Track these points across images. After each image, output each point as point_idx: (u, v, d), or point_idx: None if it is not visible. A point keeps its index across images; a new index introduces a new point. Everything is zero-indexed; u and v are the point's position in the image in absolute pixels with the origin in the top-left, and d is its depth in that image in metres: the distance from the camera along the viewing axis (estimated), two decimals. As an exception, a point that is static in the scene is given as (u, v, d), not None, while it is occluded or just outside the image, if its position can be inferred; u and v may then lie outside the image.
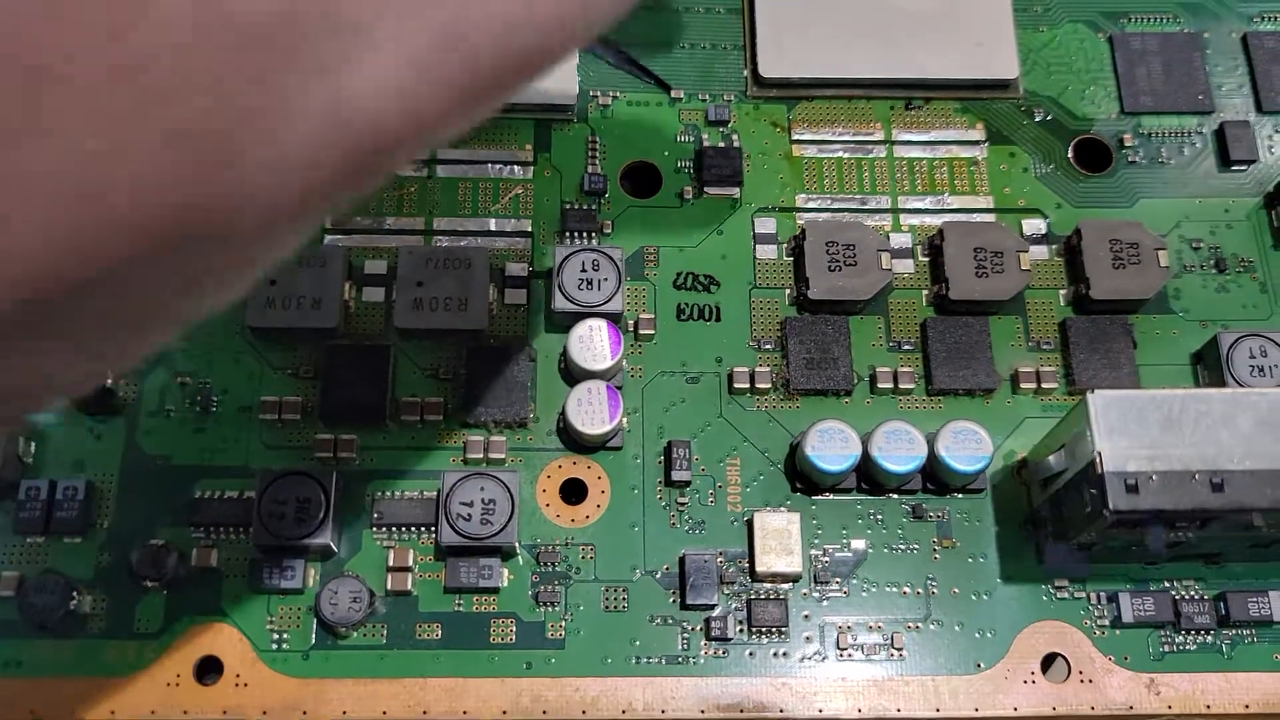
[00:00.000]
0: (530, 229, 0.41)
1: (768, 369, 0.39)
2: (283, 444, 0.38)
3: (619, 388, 0.38)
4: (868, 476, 0.38)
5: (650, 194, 0.42)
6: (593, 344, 0.38)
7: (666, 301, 0.40)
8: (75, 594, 0.36)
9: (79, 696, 0.36)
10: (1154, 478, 0.33)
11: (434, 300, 0.39)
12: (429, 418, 0.38)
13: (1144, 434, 0.34)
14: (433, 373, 0.39)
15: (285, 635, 0.36)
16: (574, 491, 0.38)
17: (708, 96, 0.43)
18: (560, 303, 0.39)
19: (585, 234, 0.41)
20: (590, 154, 0.42)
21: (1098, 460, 0.33)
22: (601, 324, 0.38)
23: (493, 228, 0.41)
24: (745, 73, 0.44)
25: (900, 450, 0.37)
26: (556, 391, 0.39)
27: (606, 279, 0.39)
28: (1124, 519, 0.33)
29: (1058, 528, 0.36)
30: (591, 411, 0.37)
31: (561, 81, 0.42)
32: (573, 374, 0.39)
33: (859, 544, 0.38)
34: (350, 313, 0.39)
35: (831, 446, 0.37)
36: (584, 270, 0.39)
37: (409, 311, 0.39)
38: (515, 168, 0.42)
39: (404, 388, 0.39)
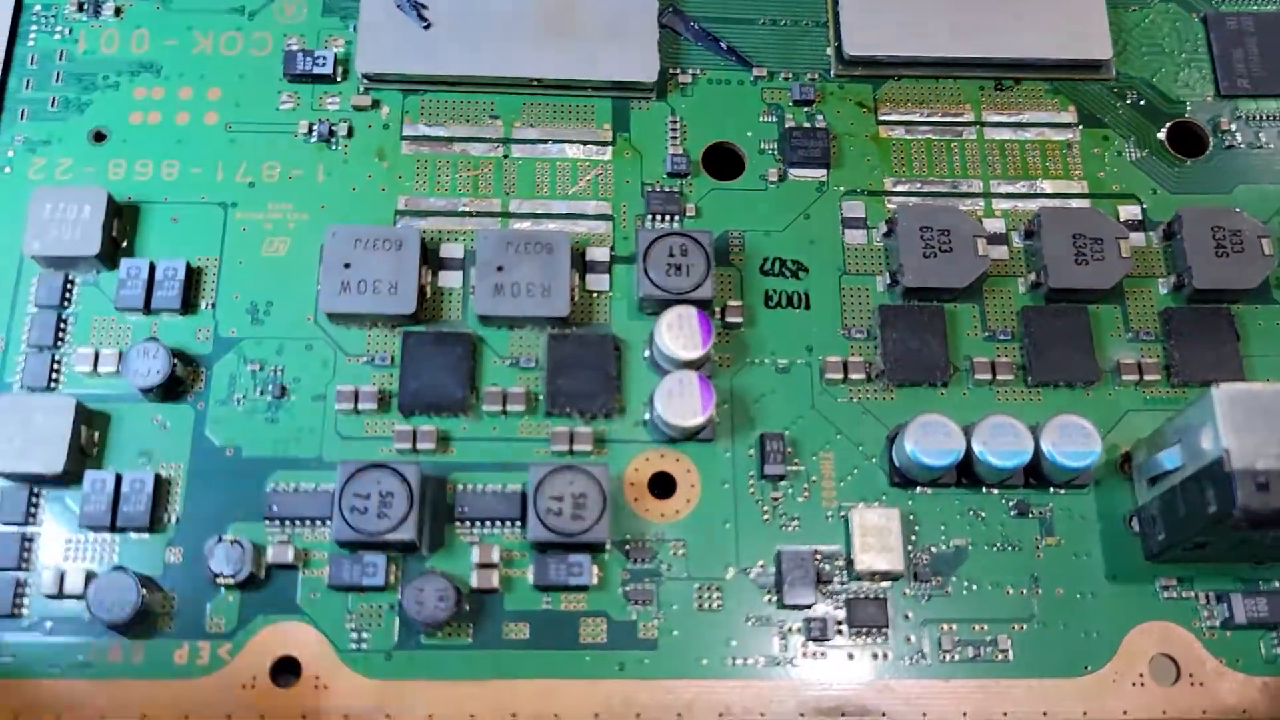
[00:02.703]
0: (610, 211, 0.40)
1: (860, 359, 0.38)
2: (359, 435, 0.36)
3: (709, 377, 0.37)
4: (968, 471, 0.36)
5: (733, 176, 0.40)
6: (683, 332, 0.37)
7: (754, 288, 0.39)
8: (144, 592, 0.34)
9: (149, 700, 0.34)
10: (1284, 475, 0.32)
11: (515, 285, 0.37)
12: (511, 408, 0.37)
13: (1271, 430, 0.32)
14: (514, 361, 0.37)
15: (366, 634, 0.35)
16: (663, 485, 0.37)
17: (790, 75, 0.42)
18: (647, 289, 0.37)
19: (669, 217, 0.39)
20: (671, 134, 0.40)
21: (1225, 458, 0.32)
22: (691, 311, 0.37)
23: (571, 210, 0.39)
24: (829, 50, 0.42)
25: (1006, 445, 0.36)
26: (643, 380, 0.37)
27: (695, 264, 0.37)
28: (1254, 519, 0.32)
29: (1169, 526, 0.35)
30: (683, 403, 0.36)
31: (640, 58, 0.40)
32: (660, 363, 0.37)
33: (960, 541, 0.36)
34: (427, 298, 0.38)
35: (934, 441, 0.36)
36: (671, 255, 0.37)
37: (489, 297, 0.37)
38: (593, 148, 0.40)
39: (485, 376, 0.37)
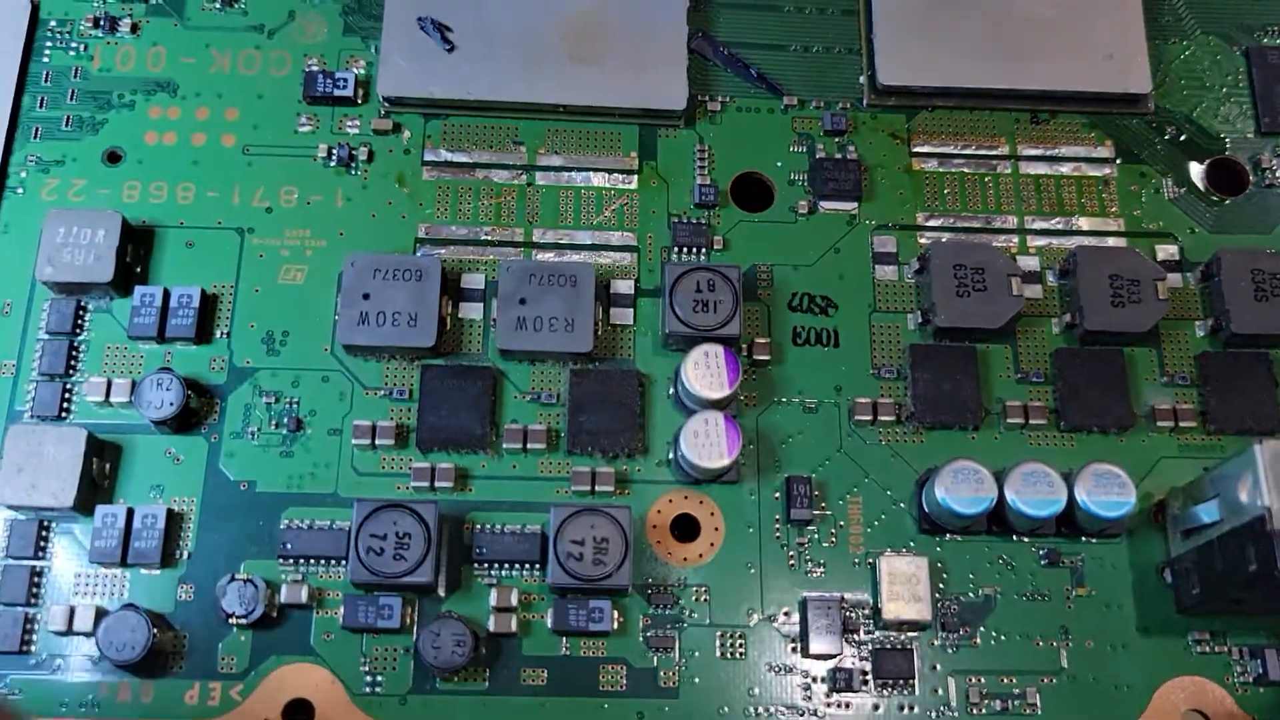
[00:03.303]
0: (636, 243, 0.39)
1: (890, 400, 0.37)
2: (375, 471, 0.36)
3: (735, 416, 0.36)
4: (999, 519, 0.36)
5: (762, 207, 0.39)
6: (709, 371, 0.36)
7: (782, 324, 0.38)
8: (155, 631, 0.33)
9: (158, 739, 0.33)
10: (1328, 537, 0.31)
11: (538, 319, 0.36)
12: (533, 445, 0.36)
13: (1315, 489, 0.31)
14: (536, 396, 0.37)
15: (380, 678, 0.34)
16: (687, 528, 0.36)
17: (822, 104, 0.41)
18: (673, 325, 0.36)
19: (696, 250, 0.38)
20: (699, 163, 0.40)
21: (1268, 516, 0.31)
22: (718, 349, 0.36)
23: (596, 240, 0.39)
24: (862, 79, 0.41)
25: (1039, 493, 0.35)
26: (667, 419, 0.36)
27: (723, 300, 0.36)
28: (1297, 580, 0.31)
29: (1205, 581, 0.34)
30: (709, 444, 0.35)
31: (669, 84, 0.39)
32: (685, 401, 0.36)
33: (989, 590, 0.35)
34: (447, 330, 0.37)
35: (966, 488, 0.35)
36: (699, 290, 0.37)
37: (511, 331, 0.36)
38: (619, 176, 0.39)
39: (506, 413, 0.36)
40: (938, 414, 0.37)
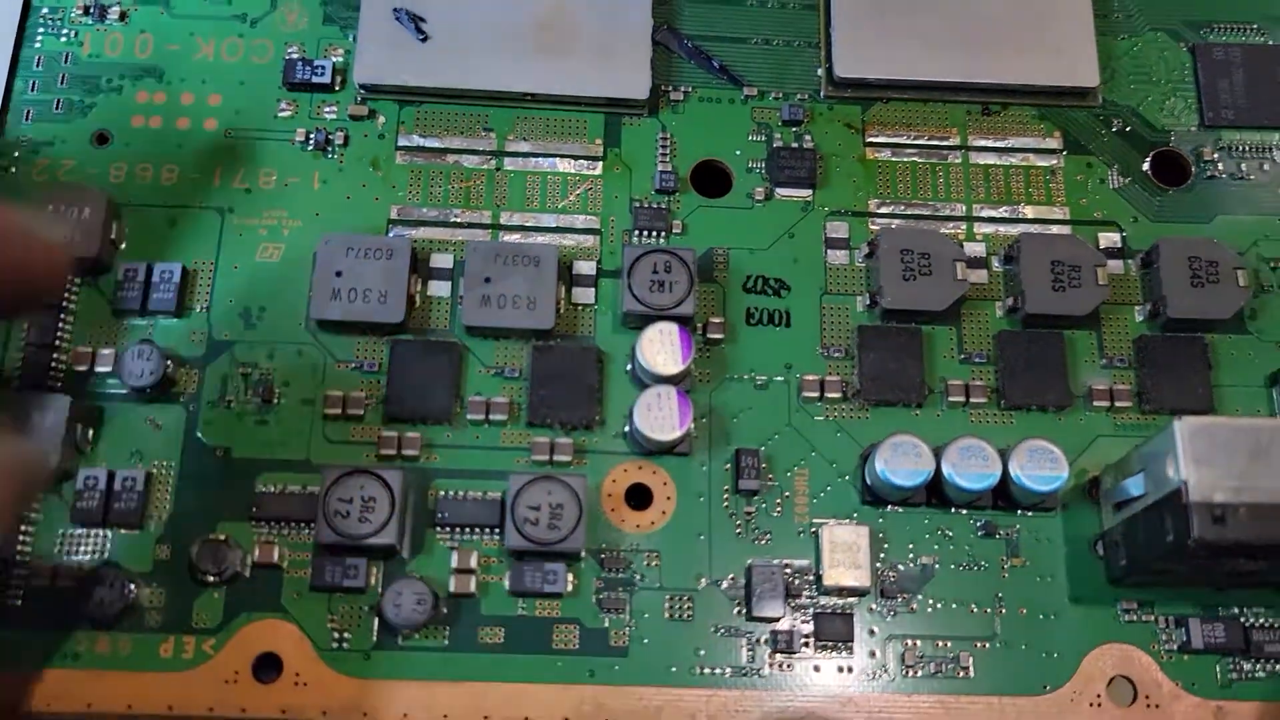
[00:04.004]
0: (599, 226, 0.40)
1: (838, 378, 0.39)
2: (346, 439, 0.37)
3: (688, 392, 0.38)
4: (938, 491, 0.37)
5: (721, 194, 0.41)
6: (663, 348, 0.37)
7: (736, 305, 0.40)
8: (133, 587, 0.35)
9: (135, 691, 0.35)
10: (1241, 510, 0.32)
11: (501, 298, 0.38)
12: (495, 417, 0.38)
13: (1231, 463, 0.33)
14: (499, 371, 0.38)
15: (346, 634, 0.36)
16: (640, 497, 0.38)
17: (781, 95, 0.42)
18: (630, 304, 0.38)
19: (656, 233, 0.40)
20: (661, 151, 0.41)
21: (1183, 489, 0.33)
22: (673, 328, 0.38)
23: (560, 224, 0.40)
24: (820, 71, 0.43)
25: (974, 467, 0.36)
26: (624, 394, 0.38)
27: (678, 281, 0.38)
28: (1209, 549, 0.32)
29: (1131, 551, 0.36)
30: (661, 417, 0.37)
31: (633, 74, 0.41)
32: (641, 377, 0.38)
33: (927, 559, 0.37)
34: (416, 307, 0.39)
35: (905, 461, 0.36)
36: (655, 272, 0.38)
37: (477, 308, 0.38)
38: (584, 162, 0.41)
39: (470, 386, 0.38)
40: (882, 392, 0.38)
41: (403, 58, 0.41)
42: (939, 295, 0.39)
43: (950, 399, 0.39)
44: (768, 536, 0.37)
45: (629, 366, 0.39)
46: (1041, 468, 0.37)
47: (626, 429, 0.38)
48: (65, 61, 0.41)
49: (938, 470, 0.36)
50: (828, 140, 0.42)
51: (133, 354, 0.37)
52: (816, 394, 0.39)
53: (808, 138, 0.42)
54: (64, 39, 0.41)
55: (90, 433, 0.37)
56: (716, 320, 0.39)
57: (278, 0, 0.42)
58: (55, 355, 0.38)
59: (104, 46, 0.42)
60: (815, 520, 0.37)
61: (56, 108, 0.41)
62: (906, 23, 0.42)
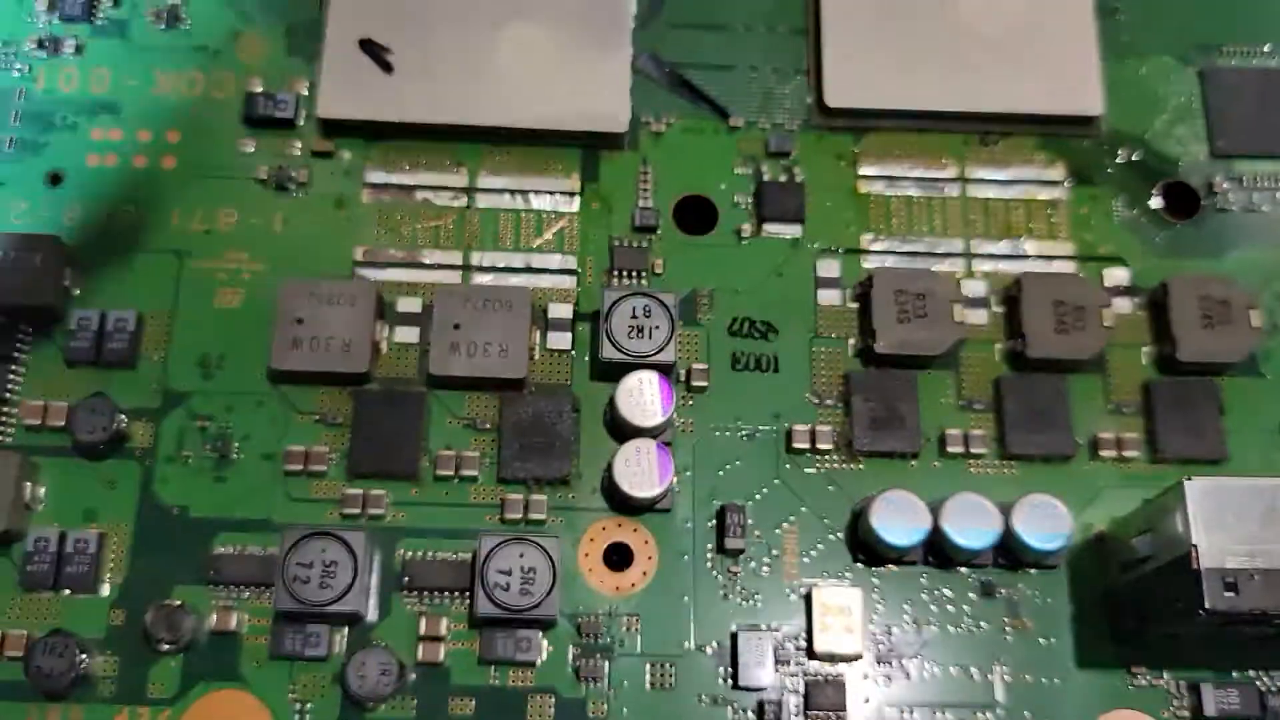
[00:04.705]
0: (576, 266, 0.38)
1: (829, 428, 0.37)
2: (308, 496, 0.36)
3: (669, 444, 0.36)
4: (936, 550, 0.35)
5: (705, 230, 0.39)
6: (643, 398, 0.35)
7: (720, 349, 0.38)
8: (85, 655, 0.33)
9: (87, 765, 0.33)
10: (1255, 576, 0.30)
11: (472, 345, 0.36)
12: (465, 473, 0.36)
13: (1243, 527, 0.31)
14: (470, 423, 0.36)
15: (309, 706, 0.34)
16: (619, 556, 0.36)
17: (768, 125, 0.40)
18: (609, 352, 0.36)
19: (635, 274, 0.38)
20: (641, 186, 0.39)
21: (1194, 555, 0.31)
22: (653, 376, 0.36)
23: (535, 264, 0.38)
24: (809, 99, 0.41)
25: (974, 524, 0.34)
26: (602, 446, 0.36)
27: (658, 327, 0.36)
28: (1221, 619, 0.30)
29: (1139, 615, 0.34)
30: (640, 473, 0.35)
31: (612, 105, 0.39)
32: (620, 428, 0.36)
33: (924, 622, 0.35)
34: (381, 355, 0.37)
35: (899, 518, 0.34)
36: (635, 317, 0.36)
37: (445, 357, 0.36)
38: (560, 198, 0.39)
39: (438, 439, 0.36)
40: (876, 442, 0.36)
41: (368, 90, 0.39)
42: (936, 339, 0.37)
43: (949, 449, 0.36)
44: (755, 598, 0.35)
45: (607, 416, 0.37)
46: (1045, 525, 0.34)
47: (605, 484, 0.36)
48: (18, 98, 0.39)
49: (935, 528, 0.35)
50: (817, 172, 0.40)
51: (86, 408, 0.35)
52: (807, 445, 0.36)
53: (796, 170, 0.40)
54: (17, 73, 0.40)
55: (40, 490, 0.35)
56: (700, 366, 0.37)
57: (239, 31, 0.40)
58: (3, 409, 0.36)
59: (59, 81, 0.40)
60: (805, 580, 0.35)
61: (9, 146, 0.39)
62: (900, 48, 0.40)
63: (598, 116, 0.39)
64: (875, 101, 0.40)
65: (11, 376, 0.36)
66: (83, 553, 0.35)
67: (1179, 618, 0.32)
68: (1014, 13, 0.41)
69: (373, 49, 0.38)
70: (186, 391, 0.36)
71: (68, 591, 0.34)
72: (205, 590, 0.35)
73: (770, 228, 0.39)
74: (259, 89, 0.39)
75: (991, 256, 0.39)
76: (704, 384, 0.37)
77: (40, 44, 0.40)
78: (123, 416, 0.35)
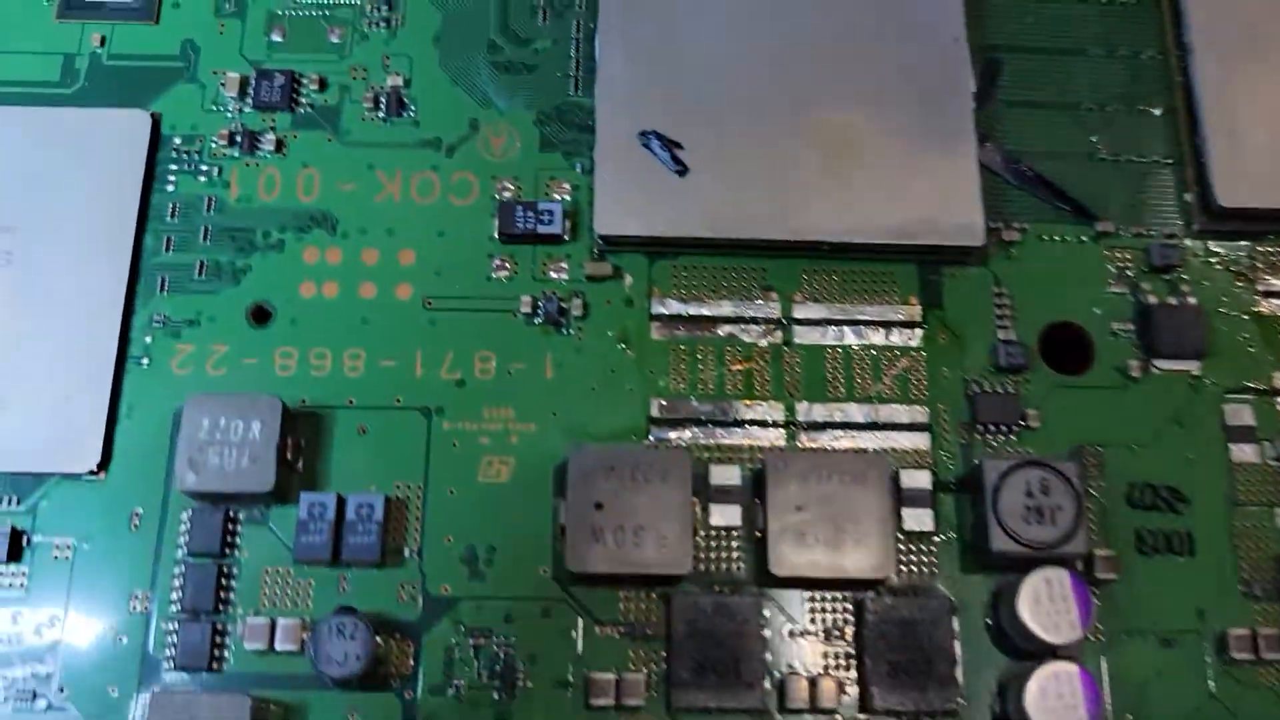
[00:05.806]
0: (928, 419, 0.30)
1: (1272, 629, 0.29)
2: (618, 736, 0.28)
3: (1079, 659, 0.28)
4: None
5: (1078, 367, 0.31)
6: (1053, 604, 0.27)
7: (1121, 526, 0.30)
8: None
9: None
10: None
11: (816, 534, 0.28)
12: (821, 706, 0.28)
13: None
14: (825, 634, 0.28)
15: None
16: (1024, 809, 0.28)
17: (1143, 230, 0.32)
18: (1001, 541, 0.28)
19: (1006, 429, 0.30)
20: (998, 311, 0.31)
21: None
22: (1063, 576, 0.28)
23: (878, 417, 0.30)
24: (1189, 197, 0.33)
25: None
26: (985, 661, 0.28)
27: (1061, 507, 0.28)
28: None
29: None
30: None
31: (963, 211, 0.31)
32: (1014, 640, 0.28)
33: None
34: (702, 550, 0.29)
35: (1405, 766, 0.27)
36: (1030, 495, 0.28)
37: (791, 549, 0.28)
38: (898, 331, 0.31)
39: (781, 654, 0.28)
40: (1338, 648, 0.29)
41: (653, 196, 0.31)
42: (1403, 512, 0.29)
43: None
44: None
45: (989, 620, 0.29)
46: None
47: (995, 708, 0.28)
48: (208, 210, 0.31)
49: None
50: (1208, 291, 0.32)
51: (329, 629, 0.27)
52: (1249, 654, 0.29)
53: (1185, 288, 0.32)
54: (204, 178, 0.32)
55: (273, 735, 0.27)
56: (1103, 554, 0.29)
57: (479, 119, 0.32)
58: (220, 624, 0.28)
59: (257, 187, 0.32)
60: (1264, 836, 0.28)
61: (199, 273, 0.31)
62: (1302, 129, 0.32)
63: (948, 227, 0.31)
64: (1276, 200, 0.32)
65: (226, 581, 0.28)
66: (332, 817, 0.27)
67: None
68: None
69: (661, 144, 0.30)
70: (451, 596, 0.28)
71: None
72: None
73: (1161, 364, 0.31)
74: (511, 195, 0.32)
75: None
76: (1111, 576, 0.29)
77: (232, 139, 0.32)
78: (377, 638, 0.27)
